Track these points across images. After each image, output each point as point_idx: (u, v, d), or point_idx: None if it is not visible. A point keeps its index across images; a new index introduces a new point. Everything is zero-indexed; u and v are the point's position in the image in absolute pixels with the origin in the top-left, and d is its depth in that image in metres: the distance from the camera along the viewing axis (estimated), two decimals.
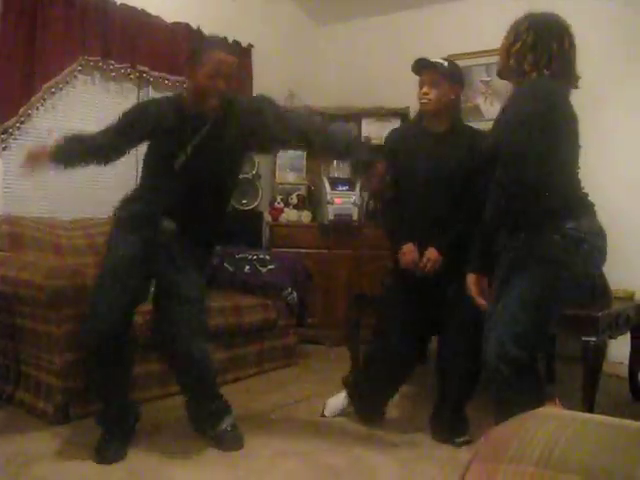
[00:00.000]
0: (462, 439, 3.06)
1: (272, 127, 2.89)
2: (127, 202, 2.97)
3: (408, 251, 3.16)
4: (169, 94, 3.10)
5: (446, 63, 3.18)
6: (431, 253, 3.11)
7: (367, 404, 3.38)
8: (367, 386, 3.34)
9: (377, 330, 3.38)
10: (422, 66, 3.17)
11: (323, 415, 3.44)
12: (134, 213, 2.90)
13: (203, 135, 2.83)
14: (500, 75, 2.68)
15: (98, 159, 2.96)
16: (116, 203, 3.02)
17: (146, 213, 2.88)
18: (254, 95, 3.12)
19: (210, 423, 3.03)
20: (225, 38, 5.20)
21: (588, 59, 4.86)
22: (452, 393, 3.15)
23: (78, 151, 2.91)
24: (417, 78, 5.33)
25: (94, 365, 2.87)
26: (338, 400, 3.47)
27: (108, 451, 2.81)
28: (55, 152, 2.86)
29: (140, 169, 3.15)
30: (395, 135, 3.42)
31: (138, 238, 2.84)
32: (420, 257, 3.13)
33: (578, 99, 2.55)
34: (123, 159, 3.12)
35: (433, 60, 3.17)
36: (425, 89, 3.15)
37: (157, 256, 2.88)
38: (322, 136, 2.92)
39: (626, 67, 4.76)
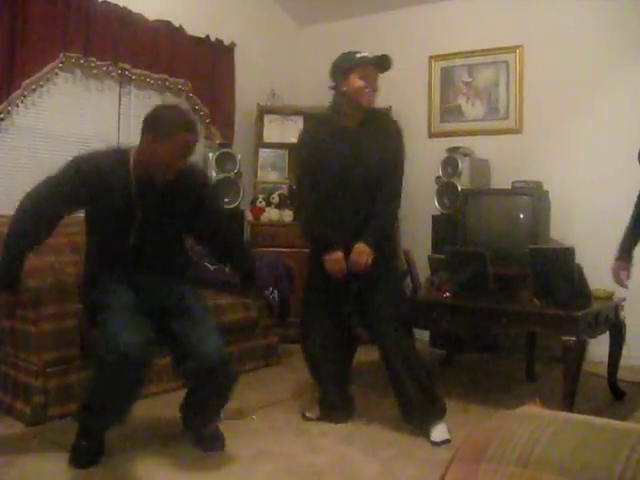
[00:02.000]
0: (438, 426, 3.09)
1: (209, 223, 3.04)
2: (91, 283, 2.90)
3: (336, 259, 3.13)
4: (112, 151, 2.90)
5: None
6: (362, 247, 3.08)
7: (327, 398, 3.41)
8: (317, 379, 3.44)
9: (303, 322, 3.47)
10: (384, 64, 3.12)
11: (305, 416, 3.44)
12: (107, 275, 2.85)
13: (151, 205, 2.79)
14: None
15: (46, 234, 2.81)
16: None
17: (119, 275, 2.84)
18: (205, 176, 3.19)
19: (204, 420, 2.98)
20: (207, 37, 5.21)
21: (586, 54, 4.93)
22: (409, 379, 3.16)
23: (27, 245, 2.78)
24: (400, 78, 5.35)
25: (111, 386, 2.66)
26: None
27: (85, 454, 2.75)
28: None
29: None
30: (308, 134, 3.36)
31: (124, 284, 2.82)
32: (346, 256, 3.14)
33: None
34: None
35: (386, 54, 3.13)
36: (373, 83, 3.11)
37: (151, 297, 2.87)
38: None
39: (622, 57, 4.81)
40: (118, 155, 2.81)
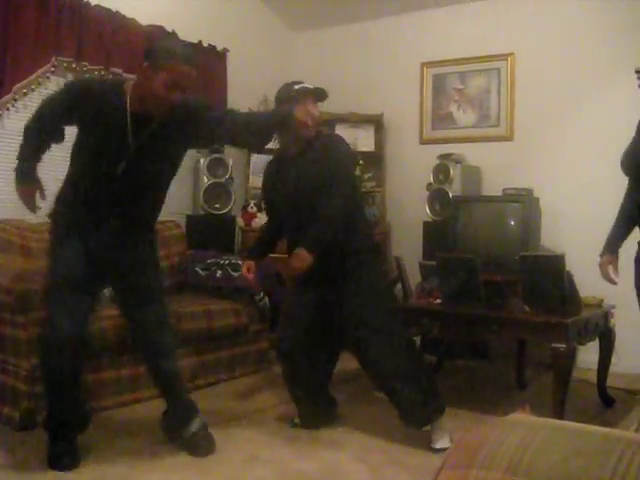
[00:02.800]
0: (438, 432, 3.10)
1: (209, 132, 2.93)
2: (63, 205, 2.91)
3: (245, 265, 3.40)
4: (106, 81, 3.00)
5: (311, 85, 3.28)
6: (298, 252, 3.07)
7: (302, 405, 3.43)
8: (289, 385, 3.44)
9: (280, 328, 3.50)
10: (320, 95, 3.24)
11: (294, 423, 3.43)
12: (73, 218, 2.88)
13: (145, 137, 2.77)
14: None
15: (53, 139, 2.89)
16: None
17: (86, 218, 2.86)
18: (192, 99, 2.99)
19: (180, 425, 3.01)
20: (200, 42, 5.21)
21: (577, 62, 4.95)
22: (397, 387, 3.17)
23: (39, 142, 2.87)
24: (392, 85, 5.36)
25: (52, 372, 2.84)
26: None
27: (65, 458, 2.79)
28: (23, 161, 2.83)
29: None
30: (267, 167, 3.53)
31: (82, 245, 2.83)
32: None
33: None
34: None
35: (305, 85, 3.24)
36: (315, 115, 3.20)
37: (106, 260, 2.90)
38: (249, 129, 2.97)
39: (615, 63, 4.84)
40: (113, 84, 2.88)
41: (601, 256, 3.36)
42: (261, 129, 2.96)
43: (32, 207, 2.87)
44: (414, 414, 3.15)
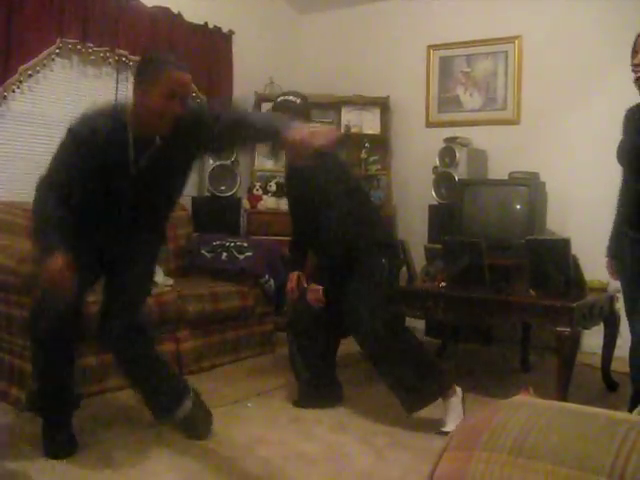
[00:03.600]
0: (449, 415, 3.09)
1: (214, 140, 2.70)
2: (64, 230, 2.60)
3: (312, 290, 3.40)
4: (107, 109, 2.70)
5: (298, 100, 3.34)
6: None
7: (303, 382, 3.49)
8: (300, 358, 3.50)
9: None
10: (280, 106, 3.29)
11: (296, 403, 3.45)
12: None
13: (149, 155, 2.64)
14: None
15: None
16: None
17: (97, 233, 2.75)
18: (193, 107, 2.84)
19: (172, 407, 2.90)
20: (206, 24, 5.19)
21: (585, 45, 4.92)
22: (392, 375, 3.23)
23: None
24: (398, 67, 5.35)
25: (43, 353, 2.74)
26: None
27: (59, 445, 2.75)
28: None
29: None
30: (286, 173, 3.74)
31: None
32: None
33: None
34: None
35: (288, 98, 3.34)
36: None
37: (110, 251, 2.81)
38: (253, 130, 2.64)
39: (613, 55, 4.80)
40: (114, 112, 2.69)
41: (608, 257, 3.39)
42: (256, 133, 2.67)
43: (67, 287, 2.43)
44: (407, 399, 3.17)
